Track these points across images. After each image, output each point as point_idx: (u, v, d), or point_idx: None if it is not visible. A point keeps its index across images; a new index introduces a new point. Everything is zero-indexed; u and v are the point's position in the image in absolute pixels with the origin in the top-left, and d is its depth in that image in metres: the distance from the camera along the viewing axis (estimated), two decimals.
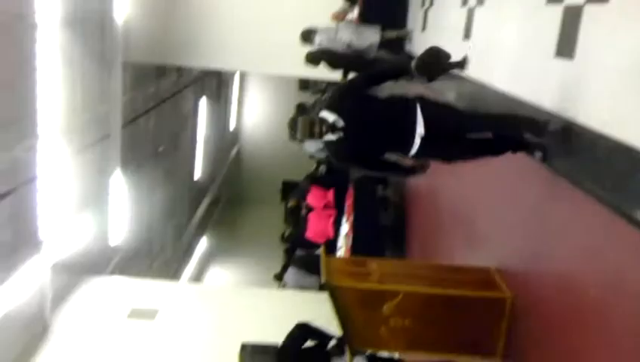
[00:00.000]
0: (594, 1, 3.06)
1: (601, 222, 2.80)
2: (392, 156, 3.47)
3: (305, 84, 18.25)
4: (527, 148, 3.36)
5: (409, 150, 3.29)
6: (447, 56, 3.42)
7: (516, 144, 3.38)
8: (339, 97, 3.40)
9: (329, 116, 3.27)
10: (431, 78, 3.40)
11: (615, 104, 2.79)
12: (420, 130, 3.22)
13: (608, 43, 2.89)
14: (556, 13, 3.46)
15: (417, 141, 3.24)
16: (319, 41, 7.37)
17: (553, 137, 3.15)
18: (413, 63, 3.34)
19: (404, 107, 3.28)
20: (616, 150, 2.69)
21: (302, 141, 3.42)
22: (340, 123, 3.24)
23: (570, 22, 3.29)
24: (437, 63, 3.41)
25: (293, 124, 3.36)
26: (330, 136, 3.29)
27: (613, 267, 2.74)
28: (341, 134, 3.26)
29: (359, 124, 3.28)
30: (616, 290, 2.68)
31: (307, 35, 7.45)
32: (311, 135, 3.30)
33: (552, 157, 3.25)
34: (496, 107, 4.16)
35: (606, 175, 2.78)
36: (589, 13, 3.11)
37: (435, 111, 3.30)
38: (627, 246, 2.62)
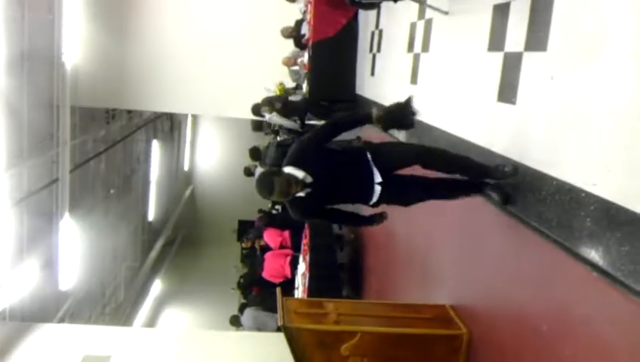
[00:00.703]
0: (533, 49, 3.24)
1: (549, 257, 2.91)
2: (349, 206, 3.49)
3: (258, 125, 18.31)
4: (481, 191, 3.44)
5: (370, 199, 3.33)
6: (413, 112, 3.33)
7: (471, 187, 3.47)
8: (303, 152, 3.25)
9: (296, 173, 3.16)
10: (386, 128, 3.36)
11: (555, 146, 2.94)
12: (377, 178, 3.27)
13: (547, 88, 3.06)
14: (497, 59, 3.64)
15: (377, 189, 3.28)
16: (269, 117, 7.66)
17: (506, 179, 3.25)
18: (375, 113, 3.26)
19: (358, 158, 3.30)
20: (559, 189, 2.83)
21: (278, 200, 3.31)
22: (309, 179, 3.17)
23: (511, 68, 3.47)
24: (401, 117, 3.32)
25: (267, 185, 3.13)
26: (301, 193, 3.20)
27: (561, 300, 2.85)
28: (309, 190, 3.18)
29: (325, 178, 3.21)
30: (566, 323, 2.78)
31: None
32: (286, 195, 3.14)
33: (511, 199, 3.32)
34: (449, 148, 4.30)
35: (551, 213, 2.91)
36: (528, 60, 3.29)
37: (387, 154, 3.35)
38: (573, 280, 2.73)
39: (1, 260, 6.47)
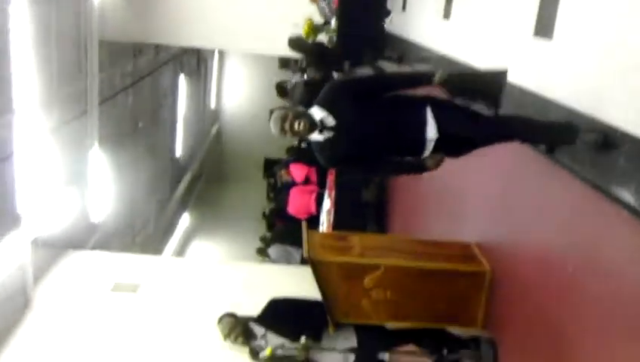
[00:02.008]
0: None
1: (579, 197, 2.87)
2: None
3: (285, 63, 18.13)
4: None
5: (420, 155, 2.96)
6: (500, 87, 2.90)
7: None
8: (331, 93, 2.91)
9: (317, 113, 2.86)
10: (454, 94, 2.97)
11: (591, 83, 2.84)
12: (432, 133, 2.88)
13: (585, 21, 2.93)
14: None
15: (430, 146, 2.91)
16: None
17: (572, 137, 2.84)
18: (440, 75, 2.87)
19: (411, 110, 2.90)
20: (593, 128, 2.75)
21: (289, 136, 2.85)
22: (330, 122, 2.84)
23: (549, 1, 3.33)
24: (479, 89, 2.91)
25: (270, 119, 2.92)
26: (316, 136, 2.88)
27: (589, 240, 2.82)
28: (331, 134, 2.86)
29: (359, 125, 2.86)
30: (593, 263, 2.77)
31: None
32: (283, 132, 2.85)
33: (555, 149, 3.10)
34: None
35: (583, 152, 2.84)
36: None
37: (449, 115, 2.92)
38: (602, 219, 2.69)
39: (34, 190, 6.63)
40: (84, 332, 6.10)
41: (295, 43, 7.57)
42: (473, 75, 2.93)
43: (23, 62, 6.24)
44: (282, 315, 4.07)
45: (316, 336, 3.88)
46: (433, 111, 2.88)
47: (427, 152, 2.92)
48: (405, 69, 6.26)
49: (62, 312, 6.37)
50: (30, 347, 5.86)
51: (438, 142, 2.89)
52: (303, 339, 3.76)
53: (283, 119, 2.83)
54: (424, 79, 2.91)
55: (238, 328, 3.92)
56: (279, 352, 3.72)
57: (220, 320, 3.97)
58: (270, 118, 2.92)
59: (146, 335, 6.17)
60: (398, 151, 3.03)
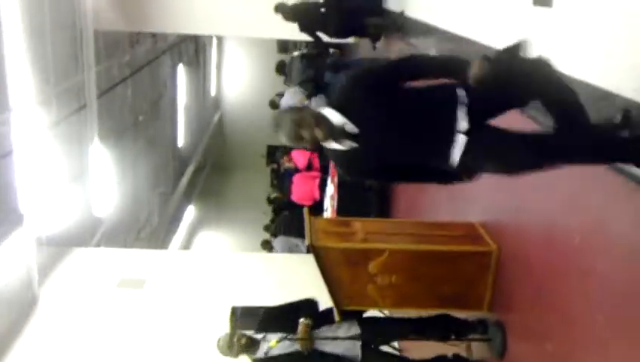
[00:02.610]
0: None
1: (586, 168, 2.79)
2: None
3: (284, 46, 17.99)
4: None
5: (448, 156, 2.40)
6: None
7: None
8: (353, 93, 2.41)
9: (333, 116, 2.37)
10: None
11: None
12: (463, 125, 2.35)
13: None
14: None
15: (461, 140, 2.36)
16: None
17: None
18: (478, 69, 2.21)
19: (443, 97, 2.39)
20: (594, 95, 2.67)
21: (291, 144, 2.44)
22: (351, 128, 2.37)
23: None
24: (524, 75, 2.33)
25: (276, 122, 2.45)
26: (336, 146, 2.42)
27: (596, 214, 2.75)
28: (353, 143, 2.40)
29: (383, 129, 2.39)
30: (600, 236, 2.70)
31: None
32: (299, 140, 2.40)
33: None
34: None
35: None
36: None
37: (493, 89, 2.30)
38: (610, 191, 2.62)
39: (36, 187, 6.59)
40: (91, 329, 6.10)
41: (279, 8, 7.40)
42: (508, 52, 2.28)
43: (18, 58, 6.17)
44: (277, 316, 3.99)
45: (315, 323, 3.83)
46: (468, 94, 2.35)
47: (456, 151, 2.37)
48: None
49: (68, 310, 6.37)
50: (38, 345, 5.86)
51: (469, 135, 2.35)
52: (301, 320, 3.73)
53: (299, 124, 2.34)
54: (462, 69, 2.26)
55: (238, 339, 3.76)
56: (283, 344, 3.66)
57: (218, 341, 3.80)
58: (276, 120, 2.47)
59: (153, 330, 6.16)
60: (424, 154, 2.50)
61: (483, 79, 2.20)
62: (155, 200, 12.87)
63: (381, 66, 2.50)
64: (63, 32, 7.47)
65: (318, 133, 2.34)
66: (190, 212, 16.75)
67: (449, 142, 2.37)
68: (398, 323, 4.21)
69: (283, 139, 2.44)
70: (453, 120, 2.35)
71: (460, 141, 2.36)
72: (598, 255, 2.69)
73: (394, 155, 2.51)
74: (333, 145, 2.42)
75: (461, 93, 2.36)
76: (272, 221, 11.26)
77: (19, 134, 6.08)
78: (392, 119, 2.38)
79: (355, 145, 2.40)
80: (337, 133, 2.38)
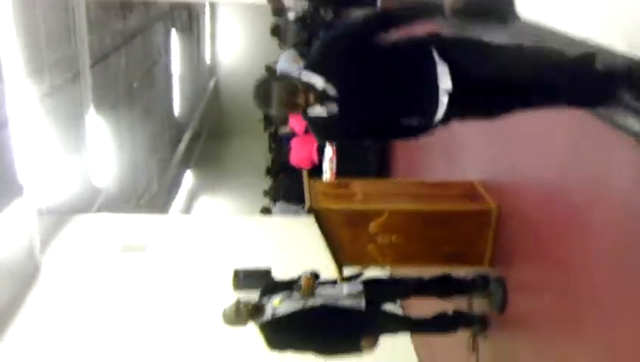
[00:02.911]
0: None
1: (586, 126, 2.78)
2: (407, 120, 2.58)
3: (279, 10, 17.74)
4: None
5: (433, 113, 2.43)
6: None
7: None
8: (327, 52, 2.41)
9: (315, 80, 2.36)
10: (466, 20, 2.49)
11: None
12: (446, 84, 2.36)
13: None
14: None
15: (444, 100, 2.38)
16: None
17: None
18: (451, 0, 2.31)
19: (418, 56, 2.38)
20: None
21: (278, 119, 2.43)
22: (330, 91, 2.36)
23: None
24: (492, 5, 2.44)
25: (264, 93, 2.37)
26: (319, 110, 2.41)
27: (596, 170, 2.76)
28: (334, 108, 2.39)
29: (361, 89, 2.39)
30: (600, 192, 2.71)
31: None
32: (292, 107, 2.39)
33: None
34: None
35: (590, 80, 2.73)
36: None
37: (461, 53, 2.37)
38: (611, 148, 2.62)
39: (34, 158, 6.58)
40: (95, 294, 6.17)
41: None
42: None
43: (9, 29, 6.08)
44: (278, 284, 4.02)
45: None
46: (441, 54, 2.35)
47: (441, 111, 2.40)
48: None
49: (71, 277, 6.43)
50: (41, 313, 5.93)
51: (453, 95, 2.37)
52: (303, 274, 3.78)
53: (292, 92, 2.33)
54: (436, 7, 2.31)
55: (245, 306, 3.71)
56: (288, 302, 3.71)
57: (224, 312, 3.75)
58: (262, 92, 2.40)
59: (157, 293, 6.23)
60: (406, 112, 2.51)
61: (458, 8, 2.28)
62: (153, 167, 12.88)
63: (350, 25, 2.49)
64: (54, 1, 7.35)
65: (311, 98, 2.35)
66: (189, 177, 16.78)
67: (433, 100, 2.39)
68: (399, 283, 4.25)
69: (271, 110, 2.43)
70: (434, 78, 2.36)
71: (443, 101, 2.40)
72: (597, 210, 2.71)
73: (371, 114, 2.50)
74: (317, 110, 2.42)
75: (435, 52, 2.38)
76: (272, 187, 11.30)
77: (13, 105, 6.04)
78: (368, 77, 2.38)
79: (334, 108, 2.41)
80: (323, 97, 2.39)
